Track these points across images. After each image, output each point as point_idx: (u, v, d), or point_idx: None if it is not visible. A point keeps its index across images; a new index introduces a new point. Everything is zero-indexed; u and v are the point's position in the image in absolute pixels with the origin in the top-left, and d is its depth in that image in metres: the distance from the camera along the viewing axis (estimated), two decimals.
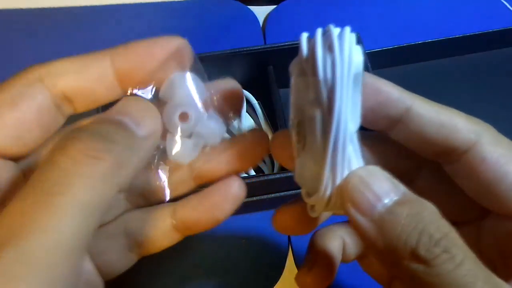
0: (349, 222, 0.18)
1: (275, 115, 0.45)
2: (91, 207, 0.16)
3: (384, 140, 0.22)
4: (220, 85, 0.22)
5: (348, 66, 0.17)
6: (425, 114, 0.20)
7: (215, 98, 0.22)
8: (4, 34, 0.58)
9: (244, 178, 0.39)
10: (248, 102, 0.48)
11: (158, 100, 0.21)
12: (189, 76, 0.21)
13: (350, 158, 0.18)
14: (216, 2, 0.61)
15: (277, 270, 0.42)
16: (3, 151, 0.19)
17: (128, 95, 0.20)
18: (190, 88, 0.21)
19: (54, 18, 0.60)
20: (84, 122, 0.21)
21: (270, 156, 0.24)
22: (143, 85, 0.21)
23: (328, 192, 0.19)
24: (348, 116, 0.17)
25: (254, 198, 0.42)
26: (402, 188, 0.18)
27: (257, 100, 0.48)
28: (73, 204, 0.15)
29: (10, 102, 0.19)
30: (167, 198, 0.23)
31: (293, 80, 0.19)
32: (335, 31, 0.17)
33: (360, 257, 0.28)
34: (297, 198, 0.23)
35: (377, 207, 0.17)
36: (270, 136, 0.23)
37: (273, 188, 0.42)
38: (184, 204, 0.24)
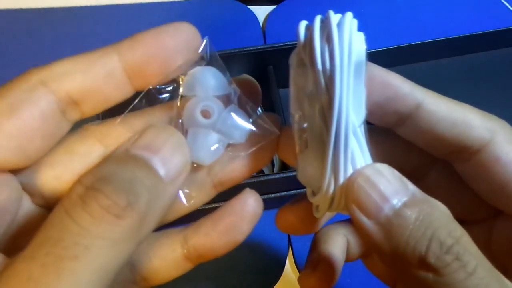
0: (353, 223, 0.17)
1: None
2: (107, 271, 0.14)
3: (394, 134, 0.21)
4: (236, 80, 0.21)
5: (348, 55, 0.16)
6: (437, 111, 0.19)
7: (235, 93, 0.20)
8: (4, 34, 0.58)
9: None
10: None
11: (180, 97, 0.20)
12: (210, 70, 0.20)
13: (354, 154, 0.17)
14: (216, 2, 0.61)
15: (277, 270, 0.42)
16: (2, 164, 0.17)
17: (154, 125, 0.18)
18: (212, 83, 0.20)
19: (54, 18, 0.60)
20: (93, 126, 0.20)
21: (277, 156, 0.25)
22: (155, 80, 0.19)
23: (330, 191, 0.18)
24: (350, 108, 0.16)
25: None
26: (411, 187, 0.17)
27: None
28: (88, 270, 0.14)
29: (10, 110, 0.16)
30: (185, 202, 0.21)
31: (292, 72, 0.18)
32: (334, 17, 0.16)
33: (365, 256, 0.27)
34: (300, 197, 0.22)
35: (384, 210, 0.16)
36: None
37: (273, 188, 0.42)
38: (195, 230, 0.21)
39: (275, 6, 0.61)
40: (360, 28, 0.17)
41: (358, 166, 0.17)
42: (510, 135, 0.19)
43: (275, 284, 0.41)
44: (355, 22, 0.16)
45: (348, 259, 0.26)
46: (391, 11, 0.60)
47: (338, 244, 0.25)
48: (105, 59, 0.18)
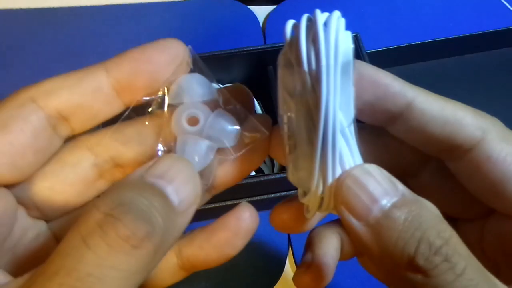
0: (342, 225, 0.17)
1: (275, 115, 0.45)
2: None
3: (387, 132, 0.21)
4: (228, 89, 0.21)
5: (335, 55, 0.16)
6: (428, 109, 0.19)
7: (223, 100, 0.21)
8: (4, 34, 0.58)
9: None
10: None
11: (168, 107, 0.20)
12: (195, 77, 0.20)
13: (343, 154, 0.17)
14: (216, 2, 0.61)
15: (277, 270, 0.42)
16: None
17: (169, 154, 0.18)
18: (197, 89, 0.20)
19: (54, 18, 0.60)
20: (83, 136, 0.20)
21: (270, 156, 0.24)
22: (144, 95, 0.19)
23: (319, 192, 0.18)
24: (337, 109, 0.16)
25: (254, 198, 0.42)
26: (401, 188, 0.16)
27: (257, 100, 0.48)
28: None
29: (1, 126, 0.17)
30: None
31: (279, 72, 0.18)
32: (320, 17, 0.16)
33: (359, 254, 0.27)
34: (294, 196, 0.22)
35: (373, 211, 0.16)
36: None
37: (273, 188, 0.42)
38: (189, 242, 0.21)
39: (275, 6, 0.61)
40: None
41: (347, 166, 0.17)
42: (502, 133, 0.19)
43: (275, 284, 0.41)
44: (342, 21, 0.16)
45: (342, 258, 0.26)
46: (391, 11, 0.60)
47: (332, 243, 0.25)
48: (93, 75, 0.18)
